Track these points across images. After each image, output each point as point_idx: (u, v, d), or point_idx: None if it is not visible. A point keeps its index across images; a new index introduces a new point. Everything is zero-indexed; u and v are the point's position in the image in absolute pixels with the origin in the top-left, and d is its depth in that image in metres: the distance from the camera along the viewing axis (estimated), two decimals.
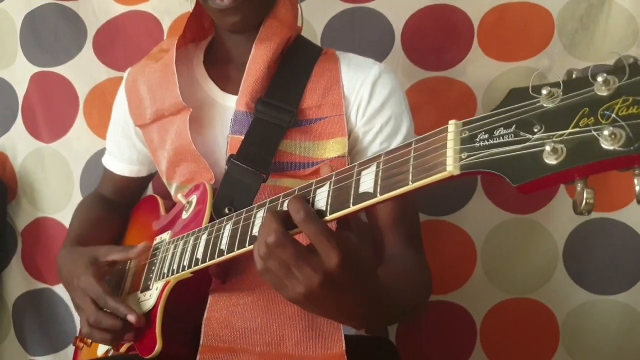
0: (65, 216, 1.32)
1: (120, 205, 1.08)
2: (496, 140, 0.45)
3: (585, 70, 0.43)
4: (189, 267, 0.75)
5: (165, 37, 1.30)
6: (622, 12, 1.14)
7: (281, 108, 0.85)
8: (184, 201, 0.87)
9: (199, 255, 0.73)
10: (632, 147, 0.38)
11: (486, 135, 0.46)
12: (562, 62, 1.16)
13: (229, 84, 0.92)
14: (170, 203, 0.99)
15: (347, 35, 1.25)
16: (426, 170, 0.49)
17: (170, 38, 1.21)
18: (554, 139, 0.41)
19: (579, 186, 0.42)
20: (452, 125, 0.49)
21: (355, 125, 0.87)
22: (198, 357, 0.73)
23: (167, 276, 0.79)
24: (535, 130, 0.43)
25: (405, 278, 0.76)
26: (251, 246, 0.63)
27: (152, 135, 0.95)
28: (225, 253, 0.68)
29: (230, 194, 0.82)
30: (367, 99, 0.86)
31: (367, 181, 0.54)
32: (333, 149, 0.85)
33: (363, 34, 1.24)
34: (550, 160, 0.41)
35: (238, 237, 0.67)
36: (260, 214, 0.65)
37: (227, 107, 0.90)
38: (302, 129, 0.86)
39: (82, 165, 1.32)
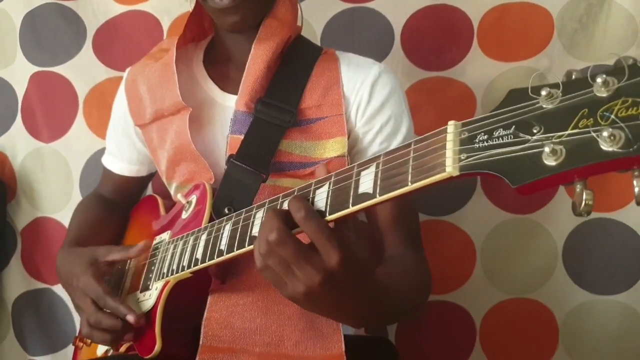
0: (64, 216, 1.31)
1: (119, 205, 1.08)
2: (495, 141, 0.45)
3: (585, 71, 0.43)
4: (189, 267, 0.75)
5: (165, 37, 1.30)
6: (621, 12, 1.14)
7: (281, 108, 0.85)
8: (183, 201, 0.87)
9: (199, 255, 0.73)
10: (631, 149, 0.38)
11: (485, 136, 0.45)
12: (562, 62, 1.16)
13: (228, 84, 0.92)
14: (170, 203, 0.99)
15: (347, 35, 1.25)
16: (425, 171, 0.49)
17: (170, 38, 1.20)
18: (553, 140, 0.41)
19: (578, 187, 0.42)
20: (451, 126, 0.49)
21: (355, 125, 0.87)
22: (197, 357, 0.73)
23: (167, 276, 0.79)
24: (535, 131, 0.43)
25: (405, 278, 0.76)
26: (251, 246, 0.63)
27: (151, 135, 0.95)
28: (224, 253, 0.68)
29: (230, 194, 0.82)
30: (367, 99, 0.86)
31: (366, 182, 0.54)
32: (333, 148, 0.85)
33: (363, 34, 1.24)
34: (550, 162, 0.41)
35: (237, 237, 0.67)
36: (260, 215, 0.65)
37: (227, 106, 0.90)
38: (301, 129, 0.86)
39: (81, 165, 1.32)
